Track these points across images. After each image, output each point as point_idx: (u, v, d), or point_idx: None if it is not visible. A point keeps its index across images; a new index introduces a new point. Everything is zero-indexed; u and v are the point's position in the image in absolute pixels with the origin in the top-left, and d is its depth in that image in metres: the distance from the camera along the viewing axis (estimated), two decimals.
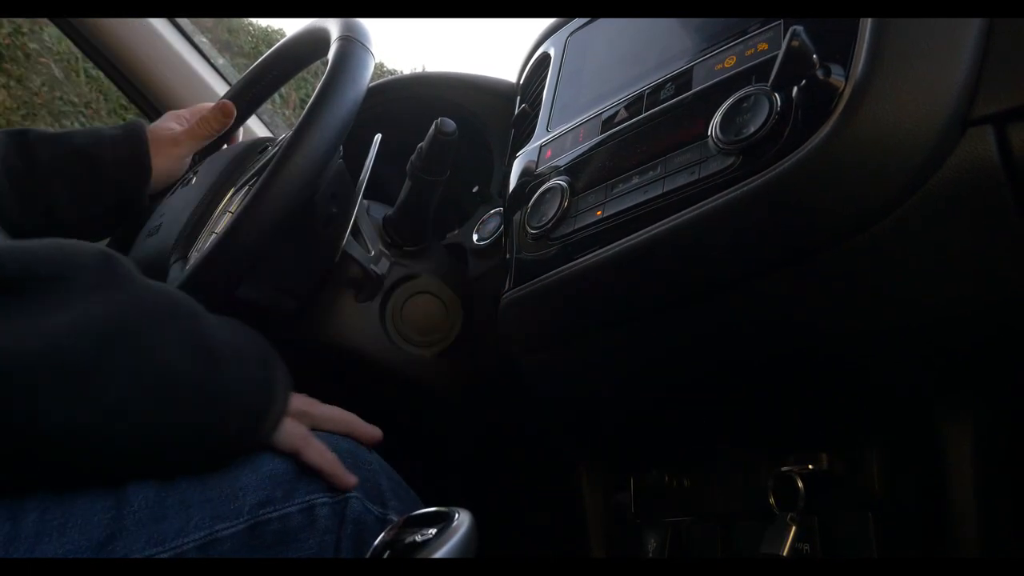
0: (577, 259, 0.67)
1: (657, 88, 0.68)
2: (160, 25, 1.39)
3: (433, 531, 0.52)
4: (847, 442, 0.69)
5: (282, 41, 1.03)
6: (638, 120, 0.68)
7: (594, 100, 0.76)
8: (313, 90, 0.78)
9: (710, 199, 0.58)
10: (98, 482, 0.57)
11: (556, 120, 0.80)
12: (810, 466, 0.69)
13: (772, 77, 0.57)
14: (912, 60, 0.53)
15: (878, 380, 0.65)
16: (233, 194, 0.88)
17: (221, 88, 1.41)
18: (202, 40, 1.45)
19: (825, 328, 0.61)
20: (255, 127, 1.41)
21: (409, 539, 0.52)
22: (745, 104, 0.59)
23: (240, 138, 1.11)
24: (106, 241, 1.06)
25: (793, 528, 0.68)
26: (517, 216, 0.76)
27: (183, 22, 1.43)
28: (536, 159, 0.79)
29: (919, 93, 0.53)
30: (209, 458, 0.61)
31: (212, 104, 1.04)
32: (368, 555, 0.55)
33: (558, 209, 0.70)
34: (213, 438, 0.60)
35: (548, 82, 0.85)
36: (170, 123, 1.02)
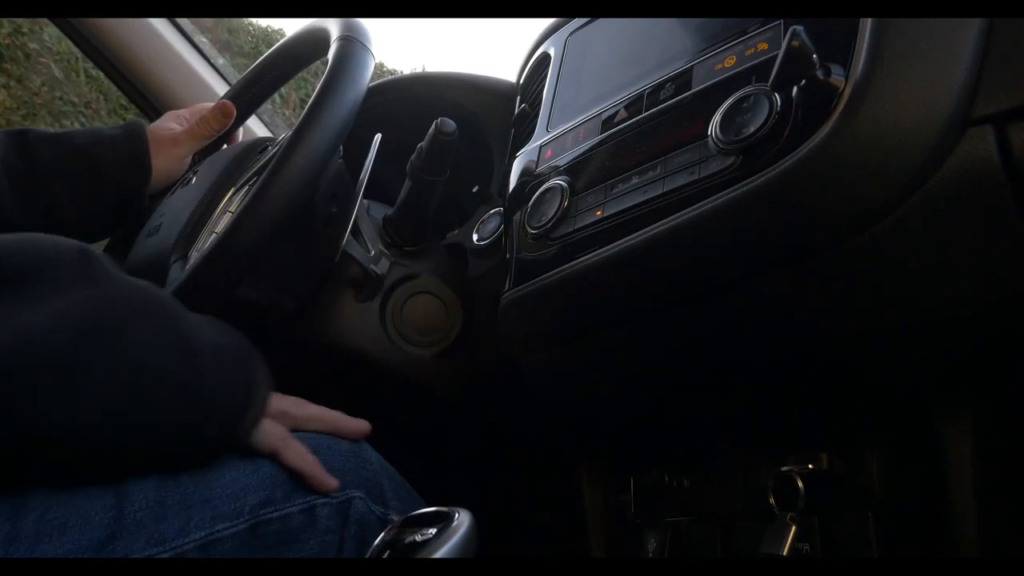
0: (577, 259, 0.67)
1: (657, 88, 0.68)
2: (160, 25, 1.39)
3: (433, 531, 0.52)
4: (847, 442, 0.69)
5: (282, 41, 1.03)
6: (638, 120, 0.68)
7: (594, 100, 0.76)
8: (313, 90, 0.78)
9: (710, 199, 0.58)
10: (79, 479, 0.56)
11: (556, 120, 0.80)
12: (810, 466, 0.69)
13: (772, 77, 0.57)
14: (912, 60, 0.53)
15: (878, 380, 0.65)
16: (233, 194, 0.88)
17: (221, 88, 1.41)
18: (202, 40, 1.45)
19: (825, 328, 0.61)
20: (255, 127, 1.41)
21: (409, 539, 0.52)
22: (745, 104, 0.59)
23: (240, 138, 1.11)
24: (106, 241, 1.06)
25: (793, 528, 0.68)
26: (517, 216, 0.76)
27: (183, 22, 1.43)
28: (536, 159, 0.79)
29: (919, 93, 0.53)
30: (186, 457, 0.61)
31: (212, 104, 1.04)
32: (368, 555, 0.55)
33: (558, 209, 0.70)
34: (190, 437, 0.59)
35: (548, 82, 0.85)
36: (170, 123, 1.02)
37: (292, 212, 0.73)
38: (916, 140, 0.53)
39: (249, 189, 0.83)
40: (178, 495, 0.59)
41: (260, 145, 0.97)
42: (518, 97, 0.92)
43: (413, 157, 0.86)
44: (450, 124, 0.83)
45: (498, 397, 0.90)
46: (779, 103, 0.57)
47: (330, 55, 0.81)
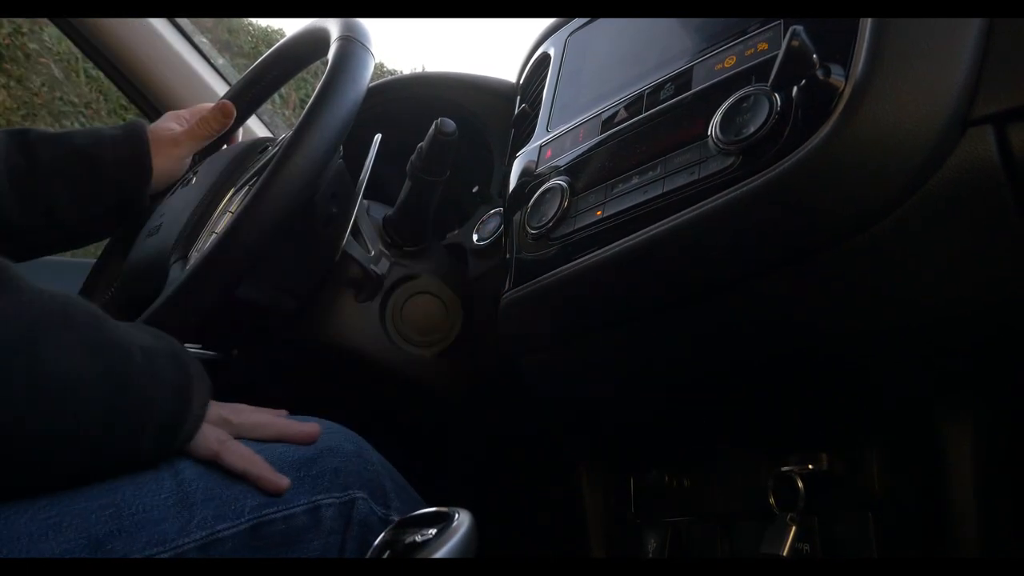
0: (577, 259, 0.67)
1: (657, 88, 0.68)
2: (160, 25, 1.39)
3: (433, 531, 0.52)
4: (847, 442, 0.69)
5: (282, 41, 1.03)
6: (638, 120, 0.68)
7: (594, 100, 0.76)
8: (313, 90, 0.78)
9: (710, 199, 0.58)
10: (8, 492, 0.54)
11: (556, 120, 0.80)
12: (810, 466, 0.69)
13: (772, 77, 0.57)
14: (912, 60, 0.53)
15: (878, 380, 0.65)
16: (233, 194, 0.88)
17: (221, 88, 1.41)
18: (202, 40, 1.45)
19: (825, 328, 0.61)
20: (255, 127, 1.41)
21: (409, 539, 0.52)
22: (745, 104, 0.59)
23: (240, 138, 1.11)
24: (106, 241, 1.06)
25: (793, 528, 0.68)
26: (517, 216, 0.76)
27: (183, 22, 1.43)
28: (536, 159, 0.79)
29: (919, 93, 0.53)
30: (124, 467, 0.58)
31: (212, 104, 1.04)
32: (368, 555, 0.55)
33: (558, 209, 0.70)
34: (124, 447, 0.57)
35: (548, 82, 0.85)
36: (170, 123, 1.02)
37: (292, 212, 0.73)
38: (916, 140, 0.53)
39: (249, 189, 0.83)
40: (178, 494, 0.59)
41: (260, 145, 0.97)
42: (518, 97, 0.92)
43: (413, 157, 0.86)
44: (450, 124, 0.83)
45: (498, 397, 0.90)
46: (779, 103, 0.57)
47: (330, 55, 0.81)
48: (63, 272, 1.37)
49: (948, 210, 0.54)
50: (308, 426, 0.68)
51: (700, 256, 0.61)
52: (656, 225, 0.61)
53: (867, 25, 0.55)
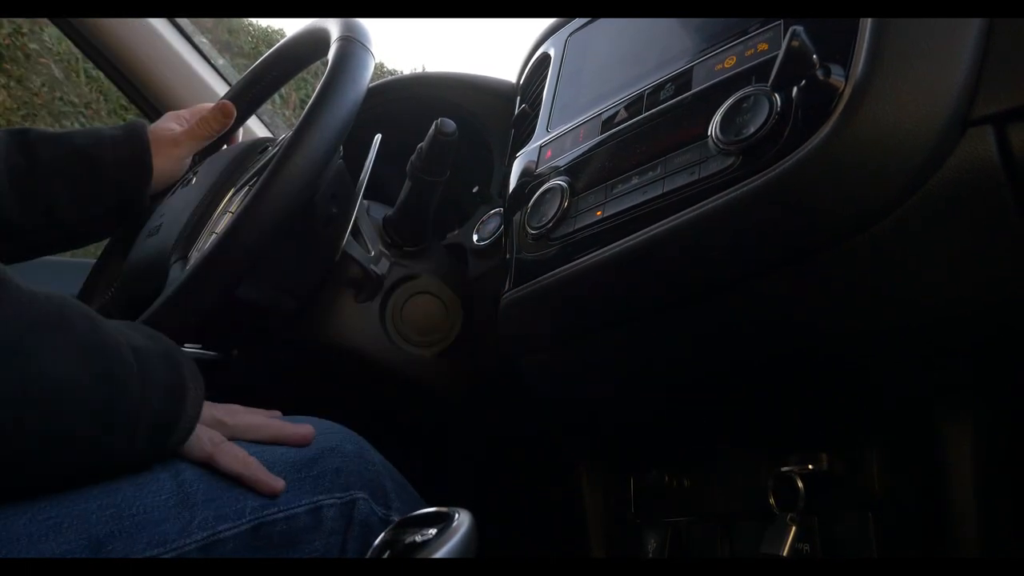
0: (577, 259, 0.67)
1: (657, 88, 0.68)
2: (160, 25, 1.39)
3: (433, 531, 0.52)
4: (847, 442, 0.69)
5: (282, 41, 1.03)
6: (638, 120, 0.68)
7: (594, 100, 0.76)
8: (313, 90, 0.78)
9: (710, 199, 0.58)
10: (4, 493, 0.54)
11: (556, 120, 0.80)
12: (810, 466, 0.69)
13: (772, 77, 0.57)
14: (912, 60, 0.53)
15: (878, 380, 0.65)
16: (233, 194, 0.88)
17: (221, 88, 1.41)
18: (202, 40, 1.45)
19: (825, 328, 0.61)
20: (255, 127, 1.41)
21: (409, 539, 0.52)
22: (745, 104, 0.59)
23: (240, 138, 1.11)
24: (106, 241, 1.06)
25: (793, 528, 0.68)
26: (517, 216, 0.76)
27: (183, 22, 1.43)
28: (536, 159, 0.79)
29: (919, 93, 0.53)
30: (116, 469, 0.58)
31: (212, 104, 1.04)
32: (368, 555, 0.55)
33: (558, 209, 0.70)
34: (117, 450, 0.56)
35: (548, 82, 0.85)
36: (170, 123, 1.02)
37: (292, 212, 0.73)
38: (916, 140, 0.53)
39: (249, 189, 0.83)
40: (179, 495, 0.59)
41: (260, 145, 0.97)
42: (518, 97, 0.92)
43: (413, 157, 0.86)
44: (450, 124, 0.83)
45: (498, 397, 0.90)
46: (779, 103, 0.57)
47: (330, 55, 0.81)
48: (63, 272, 1.37)
49: (948, 210, 0.54)
50: (302, 428, 0.68)
51: (700, 256, 0.61)
52: (656, 225, 0.61)
53: (867, 25, 0.55)
